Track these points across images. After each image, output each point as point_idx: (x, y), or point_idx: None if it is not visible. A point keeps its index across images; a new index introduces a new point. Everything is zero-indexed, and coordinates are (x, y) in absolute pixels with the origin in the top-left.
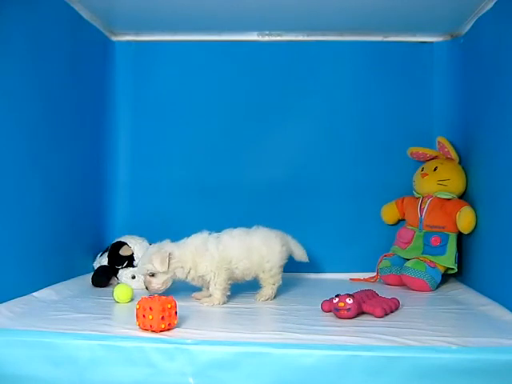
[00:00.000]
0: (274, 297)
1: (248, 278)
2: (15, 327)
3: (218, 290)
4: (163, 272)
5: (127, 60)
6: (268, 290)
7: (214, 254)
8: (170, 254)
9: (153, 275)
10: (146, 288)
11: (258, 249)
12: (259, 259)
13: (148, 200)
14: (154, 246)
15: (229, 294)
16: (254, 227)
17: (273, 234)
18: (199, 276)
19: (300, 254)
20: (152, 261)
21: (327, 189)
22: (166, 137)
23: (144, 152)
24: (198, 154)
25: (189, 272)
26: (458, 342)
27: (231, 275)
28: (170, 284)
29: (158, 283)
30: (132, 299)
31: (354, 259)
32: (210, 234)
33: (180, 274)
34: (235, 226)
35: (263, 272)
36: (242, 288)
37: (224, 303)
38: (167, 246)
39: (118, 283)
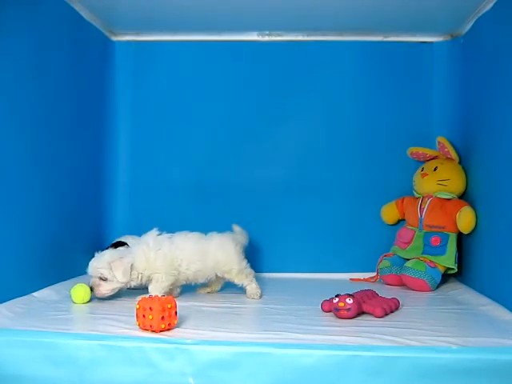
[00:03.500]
0: (260, 296)
1: (201, 281)
2: (15, 327)
3: (157, 291)
4: (123, 280)
5: (127, 60)
6: (251, 287)
7: (166, 253)
8: (131, 265)
9: (104, 279)
10: (91, 288)
11: (213, 253)
12: (214, 264)
13: (148, 200)
14: (114, 252)
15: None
16: (209, 234)
17: (225, 238)
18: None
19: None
20: (112, 269)
21: (327, 189)
22: (165, 137)
23: (144, 152)
24: (198, 154)
25: (143, 275)
26: (458, 341)
27: (176, 280)
28: (117, 291)
29: (107, 289)
30: (90, 300)
31: (354, 259)
32: (160, 233)
33: (134, 283)
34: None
35: (226, 273)
36: (241, 288)
37: None
38: (127, 255)
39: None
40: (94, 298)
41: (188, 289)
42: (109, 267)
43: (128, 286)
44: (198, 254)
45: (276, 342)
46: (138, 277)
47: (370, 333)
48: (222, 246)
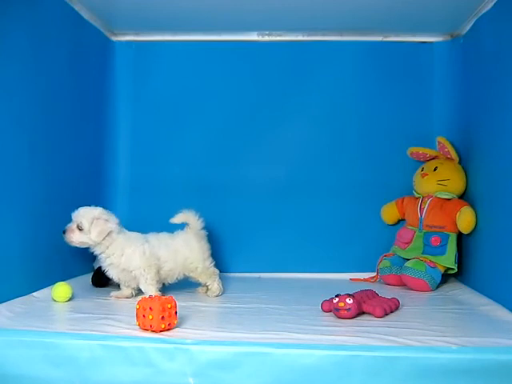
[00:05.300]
0: (223, 293)
1: (170, 281)
2: (15, 327)
3: (150, 285)
4: (94, 239)
5: (127, 60)
6: (213, 286)
7: (145, 249)
8: (111, 231)
9: (81, 229)
10: (63, 232)
11: (181, 251)
12: (183, 261)
13: (148, 199)
14: (104, 213)
15: (160, 286)
16: (176, 232)
17: (188, 235)
18: (124, 269)
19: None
20: (92, 225)
21: (327, 188)
22: (165, 136)
23: (144, 152)
24: (198, 154)
25: (109, 256)
26: (458, 342)
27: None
28: (84, 246)
29: (78, 239)
30: (70, 298)
31: (354, 259)
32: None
33: (98, 249)
34: (235, 226)
35: (192, 272)
36: (241, 288)
37: None
38: (113, 223)
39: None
40: (74, 296)
41: (188, 289)
42: (91, 222)
43: (94, 250)
44: (171, 253)
45: (276, 341)
46: (106, 248)
47: (369, 333)
48: (187, 243)
